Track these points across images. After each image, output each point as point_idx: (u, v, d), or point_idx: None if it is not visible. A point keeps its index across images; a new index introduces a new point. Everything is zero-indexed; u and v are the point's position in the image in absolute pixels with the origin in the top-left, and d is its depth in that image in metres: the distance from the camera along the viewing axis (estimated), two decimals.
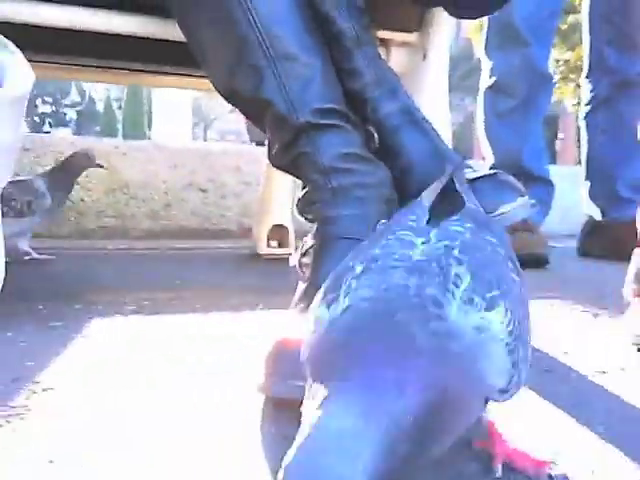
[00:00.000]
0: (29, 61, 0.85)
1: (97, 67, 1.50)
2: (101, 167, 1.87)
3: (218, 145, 4.94)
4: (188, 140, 6.54)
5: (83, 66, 1.50)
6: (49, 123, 19.60)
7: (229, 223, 2.57)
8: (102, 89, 17.37)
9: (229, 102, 0.95)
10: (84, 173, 1.84)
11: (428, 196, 0.59)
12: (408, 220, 0.54)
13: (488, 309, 0.44)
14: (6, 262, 0.93)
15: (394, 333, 0.41)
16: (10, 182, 1.12)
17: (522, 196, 0.80)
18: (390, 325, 0.42)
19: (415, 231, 0.51)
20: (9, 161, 0.84)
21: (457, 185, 0.61)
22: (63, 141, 2.58)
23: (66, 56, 1.39)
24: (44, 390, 0.71)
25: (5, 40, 0.87)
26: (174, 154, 2.54)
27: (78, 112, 19.70)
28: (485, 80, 2.20)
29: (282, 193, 1.85)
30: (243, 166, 2.65)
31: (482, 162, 2.15)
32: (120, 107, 11.92)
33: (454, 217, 0.54)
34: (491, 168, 1.92)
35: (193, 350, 0.89)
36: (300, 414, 0.40)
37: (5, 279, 0.93)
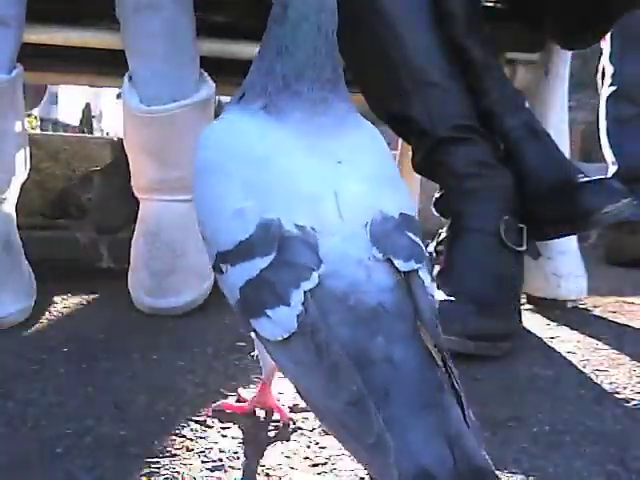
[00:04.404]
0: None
1: None
2: None
3: None
4: None
5: None
6: None
7: None
8: None
9: (380, 118, 1.16)
10: None
11: None
12: None
13: None
14: None
15: None
16: None
17: (625, 198, 0.97)
18: None
19: None
20: None
21: None
22: None
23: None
24: None
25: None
26: None
27: None
28: (607, 87, 2.26)
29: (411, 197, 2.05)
30: None
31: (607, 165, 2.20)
32: None
33: None
34: (614, 173, 2.01)
35: None
36: None
37: None
